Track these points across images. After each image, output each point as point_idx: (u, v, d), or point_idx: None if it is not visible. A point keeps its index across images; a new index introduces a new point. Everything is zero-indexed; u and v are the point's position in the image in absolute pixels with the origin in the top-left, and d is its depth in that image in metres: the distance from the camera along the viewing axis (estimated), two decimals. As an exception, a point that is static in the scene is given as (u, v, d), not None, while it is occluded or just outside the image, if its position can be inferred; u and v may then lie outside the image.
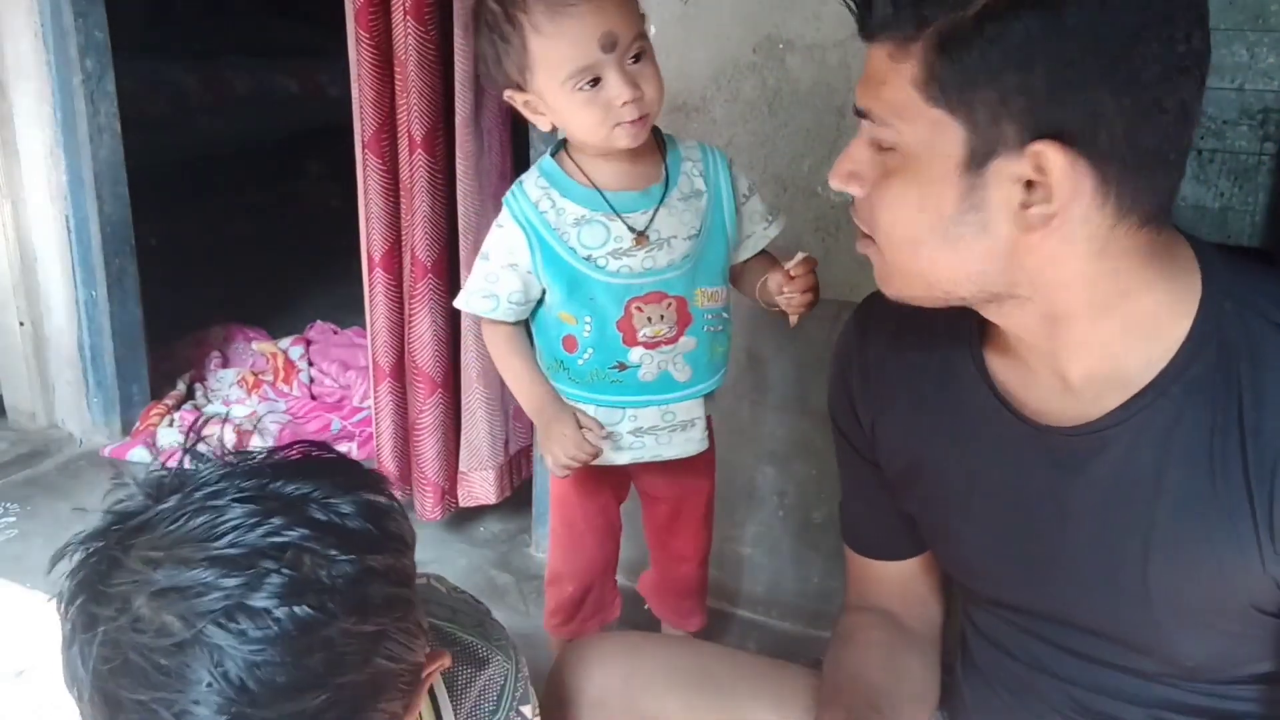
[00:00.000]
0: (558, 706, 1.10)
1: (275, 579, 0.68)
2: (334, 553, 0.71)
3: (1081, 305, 0.82)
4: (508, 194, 1.32)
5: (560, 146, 1.33)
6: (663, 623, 1.66)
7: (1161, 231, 0.81)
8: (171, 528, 0.70)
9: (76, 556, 0.73)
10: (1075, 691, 0.94)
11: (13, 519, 2.23)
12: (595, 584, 1.53)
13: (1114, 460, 0.84)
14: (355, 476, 0.78)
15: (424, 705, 0.92)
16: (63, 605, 0.72)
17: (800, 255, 1.28)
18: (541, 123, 1.27)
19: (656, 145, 1.33)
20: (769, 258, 1.39)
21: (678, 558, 1.57)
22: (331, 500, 0.73)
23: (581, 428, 1.32)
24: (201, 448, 0.78)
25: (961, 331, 0.94)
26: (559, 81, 1.19)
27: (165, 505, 0.72)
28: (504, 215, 1.31)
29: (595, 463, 1.34)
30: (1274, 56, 1.48)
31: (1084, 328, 0.82)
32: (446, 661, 0.84)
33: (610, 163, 1.29)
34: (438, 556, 2.11)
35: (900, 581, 1.11)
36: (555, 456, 1.33)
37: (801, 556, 1.86)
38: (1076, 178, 0.75)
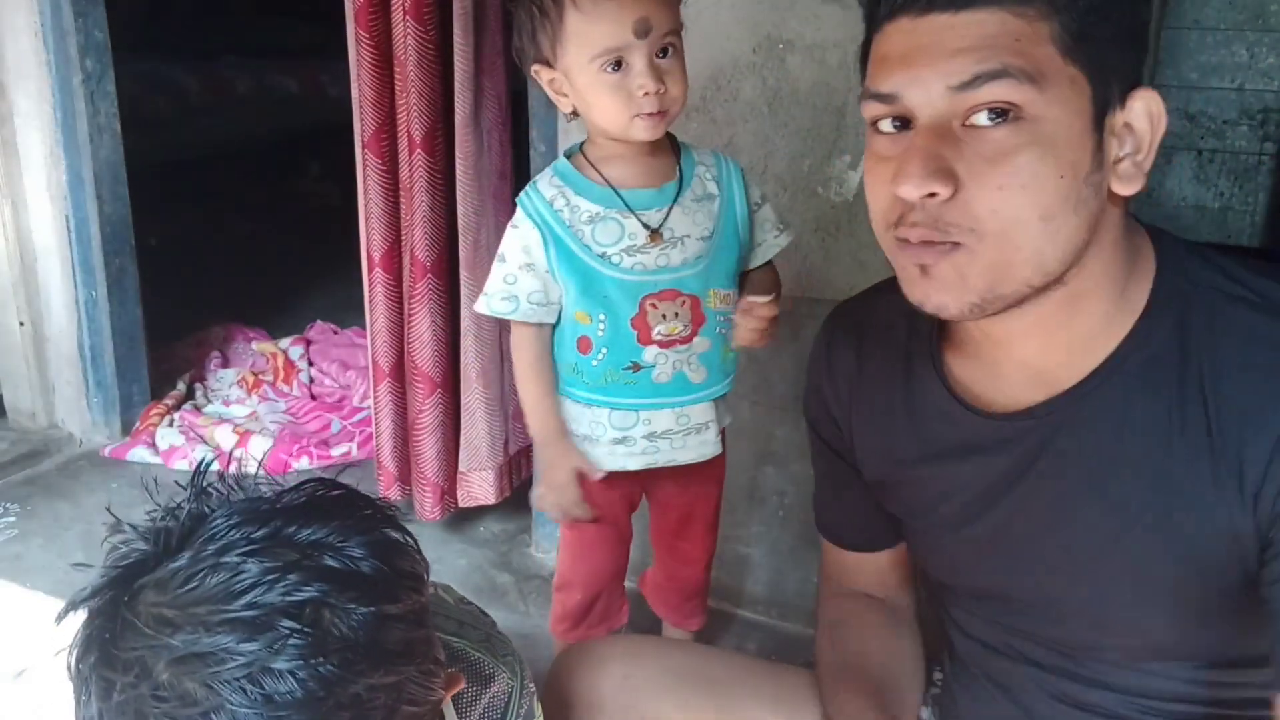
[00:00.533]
0: (556, 709, 1.10)
1: (297, 640, 0.66)
2: (352, 605, 0.69)
3: (1099, 282, 0.81)
4: (521, 194, 1.32)
5: (577, 149, 1.34)
6: (664, 623, 1.66)
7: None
8: (185, 588, 0.69)
9: (82, 612, 0.71)
10: (1056, 681, 0.95)
11: (13, 519, 2.23)
12: (604, 592, 1.53)
13: (1072, 437, 0.85)
14: (365, 513, 0.76)
15: None
16: (72, 661, 0.71)
17: (768, 297, 1.29)
18: (563, 104, 1.28)
19: (671, 148, 1.34)
20: (771, 274, 1.41)
21: (685, 561, 1.57)
22: (344, 544, 0.72)
23: (582, 472, 1.35)
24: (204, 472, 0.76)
25: (921, 335, 0.94)
26: (587, 59, 1.20)
27: (177, 563, 0.70)
28: (518, 215, 1.31)
29: (609, 467, 1.36)
30: (1274, 56, 1.49)
31: (1090, 307, 0.82)
32: (461, 684, 0.83)
33: (625, 162, 1.30)
34: (438, 556, 2.11)
35: (877, 570, 1.12)
36: (544, 504, 1.39)
37: (802, 556, 1.86)
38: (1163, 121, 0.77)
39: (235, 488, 0.76)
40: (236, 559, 0.69)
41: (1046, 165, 0.74)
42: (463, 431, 2.05)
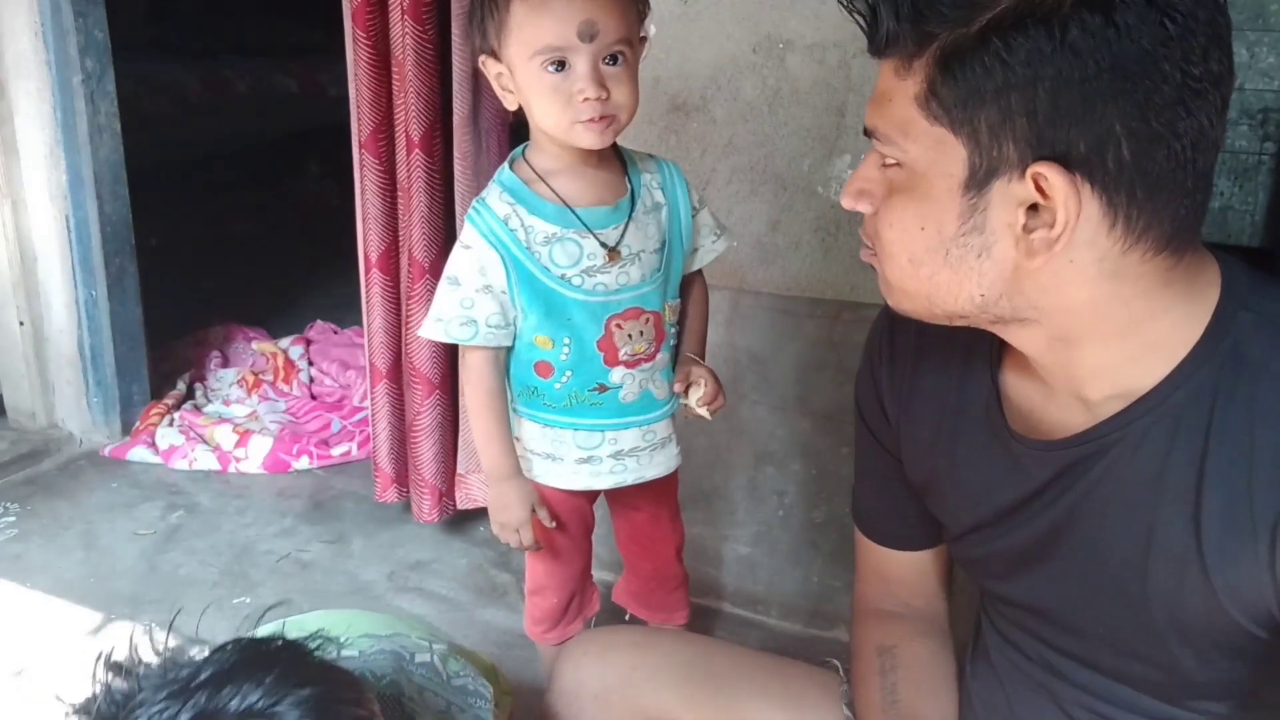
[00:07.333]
0: (560, 699, 1.10)
1: None
2: None
3: (1090, 330, 0.80)
4: (470, 212, 1.27)
5: (519, 155, 1.29)
6: (650, 624, 1.65)
7: (1184, 256, 0.79)
8: None
9: None
10: (1088, 700, 0.93)
11: (13, 519, 2.23)
12: (577, 589, 1.52)
13: (1114, 466, 0.83)
14: (296, 662, 0.76)
15: None
16: None
17: (699, 392, 1.31)
18: (508, 100, 1.23)
19: (617, 158, 1.30)
20: (701, 288, 1.40)
21: (659, 557, 1.55)
22: (276, 708, 0.72)
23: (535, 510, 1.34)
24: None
25: (981, 345, 0.93)
26: (528, 56, 1.16)
27: None
28: (470, 235, 1.25)
29: (575, 487, 1.35)
30: (1274, 56, 1.48)
31: (1095, 351, 0.81)
32: None
33: (574, 175, 1.25)
34: (437, 556, 2.11)
35: (917, 572, 1.10)
36: (497, 534, 1.37)
37: (801, 556, 1.86)
38: (1080, 202, 0.73)
39: (154, 657, 0.76)
40: None
41: (909, 214, 0.81)
42: (461, 433, 2.05)
